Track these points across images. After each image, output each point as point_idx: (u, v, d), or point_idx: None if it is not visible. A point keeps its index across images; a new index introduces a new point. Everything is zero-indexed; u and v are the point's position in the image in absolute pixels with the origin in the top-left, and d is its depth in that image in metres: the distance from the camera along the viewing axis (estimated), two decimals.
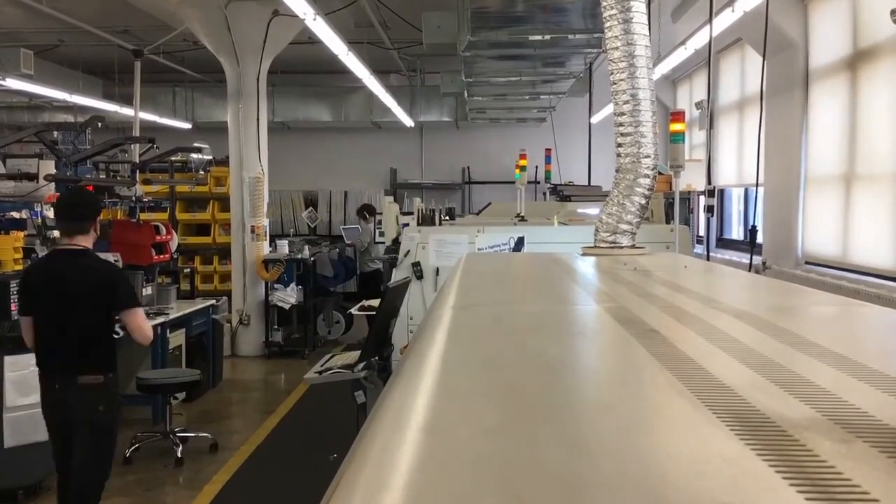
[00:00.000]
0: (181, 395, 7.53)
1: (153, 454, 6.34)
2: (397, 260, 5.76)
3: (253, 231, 10.10)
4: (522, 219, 7.16)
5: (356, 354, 4.01)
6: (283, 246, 10.48)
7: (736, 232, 11.03)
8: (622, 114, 3.18)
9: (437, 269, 5.42)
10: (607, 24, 3.18)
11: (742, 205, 10.65)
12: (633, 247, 3.21)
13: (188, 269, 10.22)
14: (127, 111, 11.83)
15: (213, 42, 9.80)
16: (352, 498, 0.68)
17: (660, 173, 3.46)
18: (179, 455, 6.20)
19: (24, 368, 5.13)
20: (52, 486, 5.54)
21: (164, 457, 6.26)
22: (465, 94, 11.38)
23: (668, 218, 8.70)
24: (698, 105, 10.94)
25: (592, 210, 8.03)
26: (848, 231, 6.81)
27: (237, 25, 9.52)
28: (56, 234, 8.41)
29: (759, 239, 7.39)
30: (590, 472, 0.68)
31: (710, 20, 6.19)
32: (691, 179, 9.76)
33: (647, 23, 3.20)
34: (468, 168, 15.98)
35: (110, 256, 7.08)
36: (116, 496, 5.50)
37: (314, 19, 7.11)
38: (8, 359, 5.08)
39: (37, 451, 5.25)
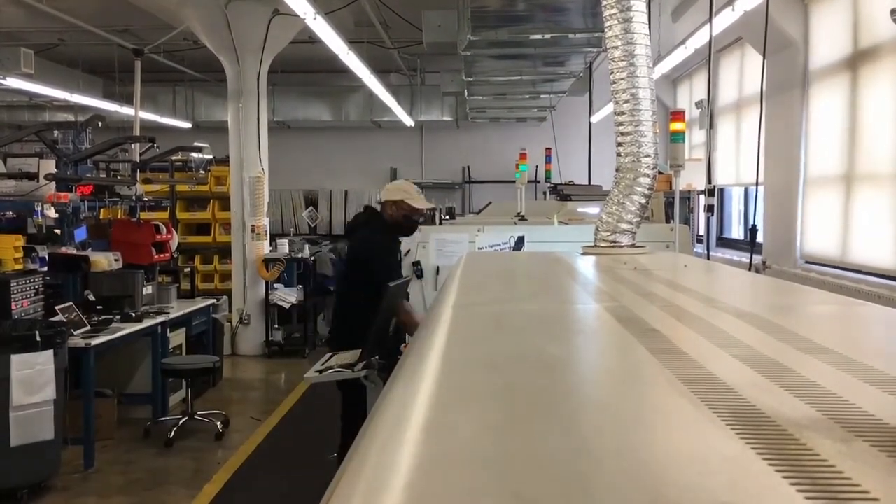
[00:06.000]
0: (182, 394, 7.54)
1: (152, 453, 6.35)
2: None
3: (253, 230, 10.10)
4: (523, 218, 7.16)
5: (356, 354, 4.02)
6: (284, 245, 10.48)
7: (736, 231, 11.03)
8: (622, 113, 3.18)
9: (438, 268, 5.43)
10: (607, 24, 3.18)
11: (742, 204, 10.65)
12: (633, 246, 3.21)
13: (188, 269, 10.22)
14: (127, 110, 11.84)
15: (213, 41, 9.80)
16: (352, 498, 0.68)
17: (660, 172, 3.46)
18: (221, 430, 6.79)
19: (30, 367, 5.13)
20: (56, 486, 5.56)
21: (169, 446, 6.29)
22: (466, 94, 11.38)
23: (669, 217, 8.70)
24: (698, 104, 10.95)
25: (592, 209, 8.03)
26: (848, 230, 6.80)
27: (237, 25, 9.52)
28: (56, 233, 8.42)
29: (760, 238, 7.39)
30: (590, 472, 0.68)
31: (710, 19, 6.19)
32: (691, 179, 9.75)
33: (647, 22, 3.20)
34: (468, 167, 15.97)
35: (111, 255, 7.10)
36: (116, 496, 5.50)
37: (314, 18, 7.11)
38: (14, 358, 5.08)
39: (42, 450, 5.25)
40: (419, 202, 4.90)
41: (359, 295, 4.51)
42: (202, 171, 11.51)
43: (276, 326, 10.31)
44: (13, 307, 5.71)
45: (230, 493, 5.57)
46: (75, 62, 13.16)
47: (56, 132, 9.11)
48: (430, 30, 8.05)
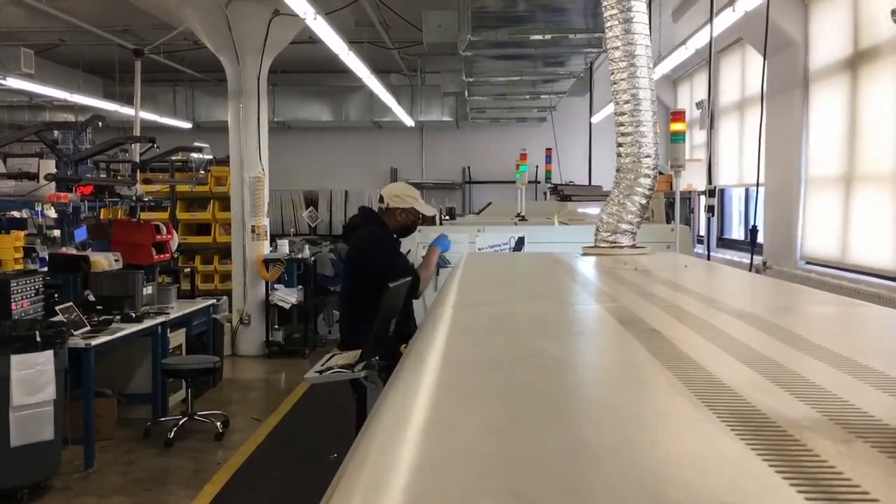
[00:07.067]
0: (182, 395, 7.54)
1: (152, 453, 6.36)
2: None
3: (253, 230, 10.10)
4: (523, 218, 7.17)
5: (356, 354, 4.01)
6: (284, 245, 10.48)
7: (736, 232, 11.03)
8: (623, 113, 3.18)
9: (438, 268, 5.42)
10: (608, 24, 3.18)
11: (742, 205, 10.65)
12: (633, 246, 3.21)
13: (188, 269, 10.22)
14: (127, 110, 11.84)
15: (213, 41, 9.80)
16: (352, 498, 0.68)
17: (660, 173, 3.46)
18: (221, 431, 6.77)
19: (30, 367, 5.13)
20: (56, 486, 5.56)
21: (170, 446, 6.30)
22: (466, 94, 11.38)
23: (669, 218, 8.71)
24: (699, 105, 10.95)
25: (593, 210, 8.04)
26: (848, 231, 6.80)
27: (238, 25, 9.52)
28: (56, 233, 8.44)
29: (760, 239, 7.38)
30: (590, 472, 0.67)
31: (710, 20, 6.19)
32: (692, 179, 9.77)
33: (647, 22, 3.20)
34: (468, 168, 15.98)
35: (111, 256, 7.10)
36: (116, 496, 5.50)
37: (314, 19, 7.12)
38: (14, 358, 5.08)
39: (42, 450, 5.25)
40: (425, 207, 4.90)
41: (363, 293, 4.48)
42: (202, 172, 11.51)
43: (277, 327, 10.31)
44: (13, 307, 5.71)
45: (230, 493, 5.57)
46: (75, 62, 13.17)
47: (56, 132, 9.11)
48: (430, 30, 8.05)
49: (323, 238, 13.03)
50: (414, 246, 5.49)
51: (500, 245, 5.48)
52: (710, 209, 7.60)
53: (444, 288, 2.44)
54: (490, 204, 11.33)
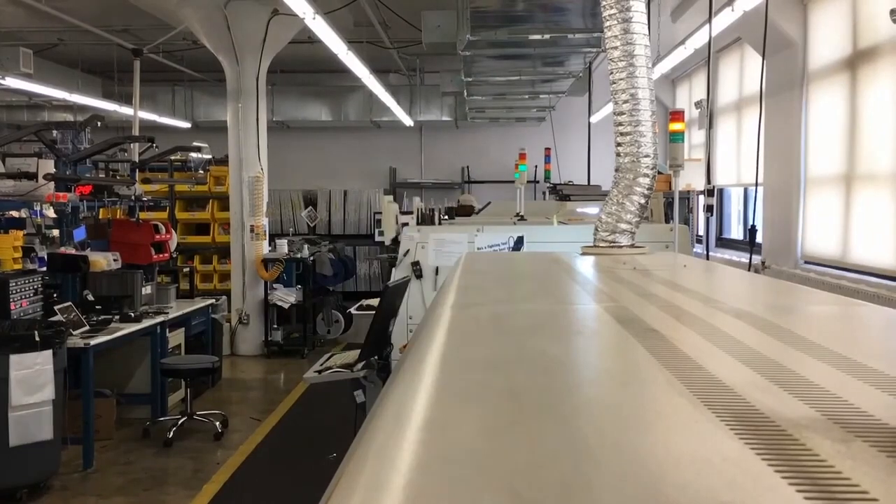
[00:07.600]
0: (181, 394, 7.54)
1: (151, 453, 6.35)
2: (396, 259, 5.76)
3: (252, 230, 10.10)
4: (522, 218, 7.16)
5: (355, 354, 4.02)
6: (283, 245, 10.48)
7: (735, 231, 11.03)
8: (621, 113, 3.18)
9: (437, 268, 5.42)
10: (607, 24, 3.18)
11: (741, 204, 10.66)
12: (632, 246, 3.21)
13: (187, 269, 10.22)
14: (126, 110, 11.83)
15: (212, 41, 9.80)
16: (351, 497, 0.68)
17: (659, 173, 3.46)
18: (220, 430, 6.79)
19: (29, 367, 5.13)
20: (55, 486, 5.56)
21: (169, 447, 6.29)
22: (465, 94, 11.37)
23: (668, 217, 8.71)
24: (698, 104, 10.95)
25: (592, 209, 8.04)
26: (847, 230, 6.81)
27: (237, 24, 9.52)
28: (55, 233, 8.42)
29: (759, 238, 7.38)
30: (589, 472, 0.67)
31: (709, 19, 6.20)
32: (691, 179, 9.78)
33: (646, 22, 3.21)
34: (467, 167, 15.98)
35: (110, 255, 7.09)
36: (115, 496, 5.50)
37: (314, 18, 7.12)
38: (13, 357, 5.08)
39: (41, 450, 5.25)
40: None
41: None
42: (201, 171, 11.51)
43: (276, 326, 10.31)
44: (12, 307, 5.71)
45: (229, 493, 5.57)
46: (74, 62, 13.15)
47: (55, 132, 9.11)
48: (429, 30, 8.04)
49: (322, 238, 13.02)
50: (413, 246, 5.49)
51: (499, 245, 5.48)
52: (708, 209, 7.60)
53: (443, 288, 2.44)
54: (489, 203, 11.32)
